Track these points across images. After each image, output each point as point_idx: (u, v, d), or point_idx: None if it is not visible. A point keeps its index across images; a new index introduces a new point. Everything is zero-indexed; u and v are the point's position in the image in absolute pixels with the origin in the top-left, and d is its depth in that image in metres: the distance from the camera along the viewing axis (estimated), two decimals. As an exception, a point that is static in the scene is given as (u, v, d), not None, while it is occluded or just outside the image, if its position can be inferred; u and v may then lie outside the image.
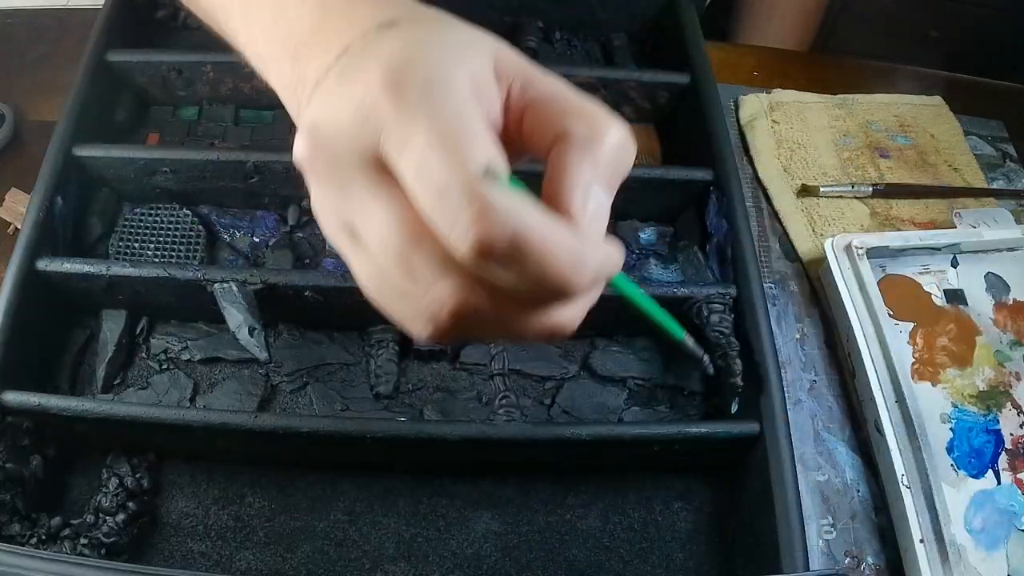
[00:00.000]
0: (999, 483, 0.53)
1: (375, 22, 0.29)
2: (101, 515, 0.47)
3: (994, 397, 0.57)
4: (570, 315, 0.29)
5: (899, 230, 0.65)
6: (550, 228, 0.25)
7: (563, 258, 0.25)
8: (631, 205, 0.61)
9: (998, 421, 0.56)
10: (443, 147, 0.25)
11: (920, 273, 0.62)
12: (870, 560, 0.51)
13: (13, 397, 0.46)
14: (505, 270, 0.25)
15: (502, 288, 0.26)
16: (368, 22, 0.29)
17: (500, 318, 0.28)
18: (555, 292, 0.26)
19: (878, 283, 0.58)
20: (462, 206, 0.24)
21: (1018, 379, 0.58)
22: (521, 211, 0.25)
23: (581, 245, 0.26)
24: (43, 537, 0.45)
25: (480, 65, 0.28)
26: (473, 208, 0.24)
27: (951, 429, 0.55)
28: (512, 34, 0.70)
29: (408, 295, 0.27)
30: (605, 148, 0.28)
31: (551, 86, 0.29)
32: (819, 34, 0.94)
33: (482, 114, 0.27)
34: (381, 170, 0.26)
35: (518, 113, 0.29)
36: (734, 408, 0.51)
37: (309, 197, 0.30)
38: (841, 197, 0.67)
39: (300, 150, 0.28)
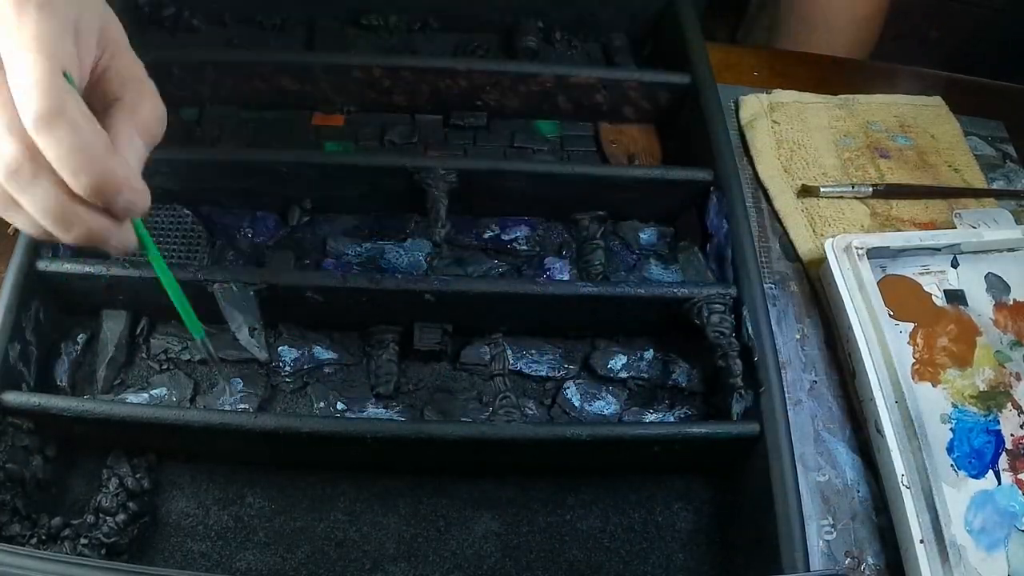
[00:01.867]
0: (999, 483, 0.53)
1: None
2: (101, 515, 0.47)
3: (994, 397, 0.57)
4: (110, 228, 0.39)
5: (899, 230, 0.65)
6: (91, 120, 0.36)
7: (96, 148, 0.36)
8: (631, 205, 0.61)
9: (998, 421, 0.56)
10: (39, 46, 0.35)
11: (920, 273, 0.62)
12: (870, 560, 0.51)
13: (13, 397, 0.46)
14: (53, 137, 0.35)
15: (47, 157, 0.35)
16: None
17: (42, 188, 0.36)
18: (86, 173, 0.36)
19: (878, 283, 0.58)
20: (37, 84, 0.34)
21: (1018, 379, 0.58)
22: (76, 101, 0.35)
23: (119, 159, 0.37)
24: (43, 537, 0.45)
25: (90, 17, 0.39)
26: (44, 85, 0.34)
27: (951, 429, 0.55)
28: (512, 34, 0.70)
29: None
30: (142, 110, 0.40)
31: (131, 64, 0.41)
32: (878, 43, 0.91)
33: (74, 40, 0.37)
34: None
35: (101, 70, 0.40)
36: (737, 413, 0.51)
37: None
38: (841, 197, 0.67)
39: None
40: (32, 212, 0.37)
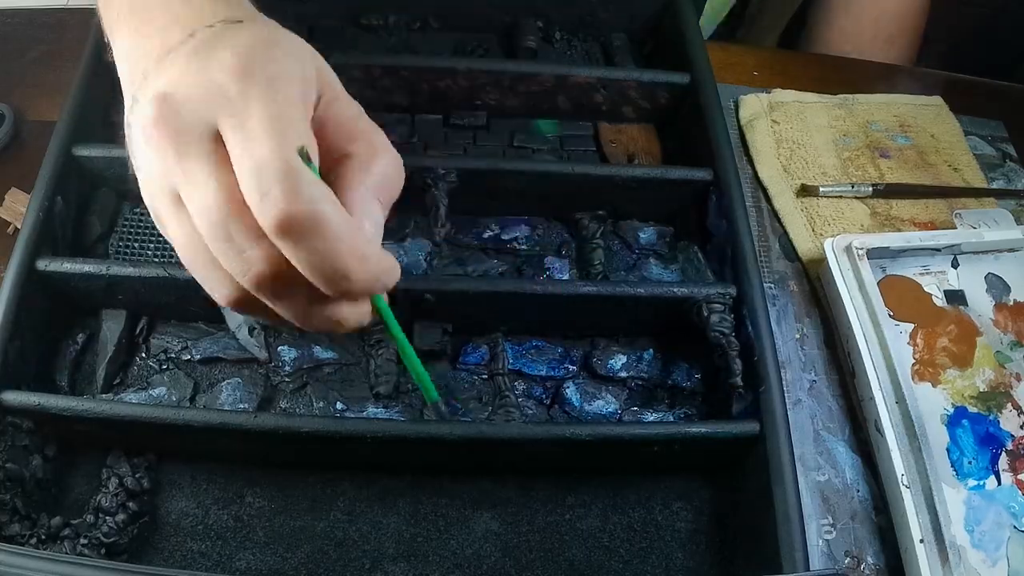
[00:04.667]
0: (999, 484, 0.53)
1: (221, 16, 0.34)
2: (101, 515, 0.47)
3: (994, 398, 0.57)
4: (349, 312, 0.33)
5: (899, 230, 0.65)
6: (345, 217, 0.30)
7: (350, 245, 0.30)
8: (631, 205, 0.61)
9: (998, 422, 0.56)
10: (271, 128, 0.29)
11: (920, 274, 0.62)
12: (870, 560, 0.51)
13: (13, 397, 0.46)
14: (304, 247, 0.29)
15: (297, 267, 0.30)
16: (211, 16, 0.34)
17: (293, 296, 0.31)
18: (341, 276, 0.30)
19: (878, 284, 0.58)
20: (276, 180, 0.28)
21: (1018, 380, 0.58)
22: (324, 196, 0.29)
23: (365, 239, 0.31)
24: (43, 537, 0.45)
25: (309, 72, 0.33)
26: (285, 183, 0.28)
27: (951, 430, 0.55)
28: (512, 34, 0.70)
29: (217, 262, 0.31)
30: (378, 168, 0.33)
31: (350, 108, 0.35)
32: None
33: (305, 110, 0.32)
34: (217, 143, 0.30)
35: (318, 123, 0.33)
36: (736, 413, 0.51)
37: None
38: (841, 197, 0.67)
39: (150, 112, 0.31)
40: (286, 314, 0.33)
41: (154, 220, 0.34)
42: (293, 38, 0.35)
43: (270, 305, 0.32)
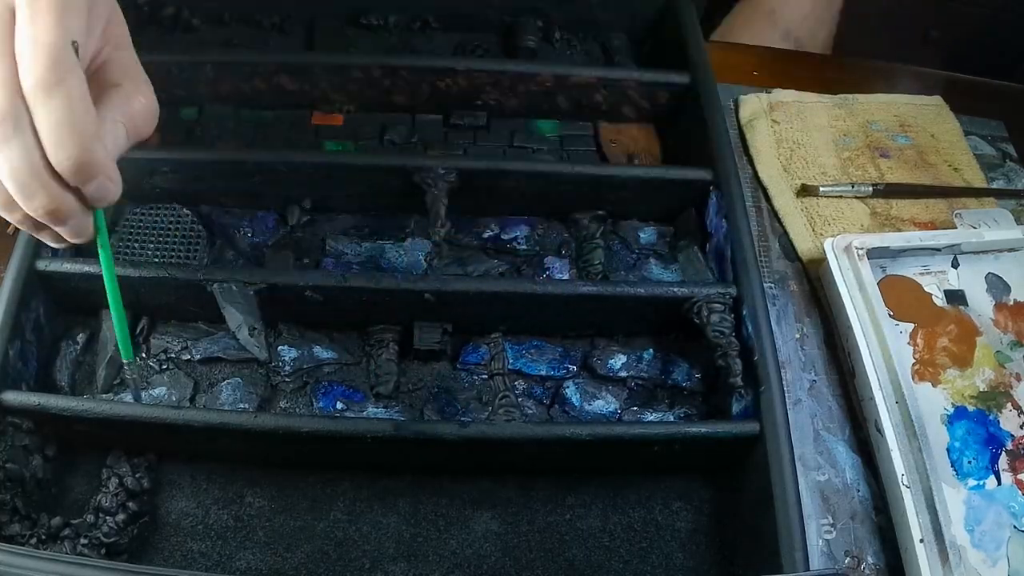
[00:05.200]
0: (999, 484, 0.53)
1: None
2: (101, 515, 0.47)
3: (994, 398, 0.57)
4: (65, 202, 0.38)
5: (899, 230, 0.65)
6: (88, 103, 0.37)
7: (83, 123, 0.36)
8: (631, 205, 0.61)
9: (998, 422, 0.56)
10: (58, 12, 0.35)
11: (921, 274, 0.62)
12: (870, 560, 0.51)
13: (13, 397, 0.46)
14: (48, 107, 0.35)
15: (38, 127, 0.36)
16: None
17: (18, 149, 0.36)
18: (67, 138, 0.36)
19: (878, 283, 0.58)
20: (46, 52, 0.35)
21: (1018, 380, 0.58)
22: (78, 79, 0.36)
23: (100, 136, 0.38)
24: (43, 537, 0.45)
25: (101, 8, 0.40)
26: (54, 56, 0.35)
27: (951, 430, 0.55)
28: (512, 34, 0.70)
29: None
30: (136, 103, 0.41)
31: (131, 56, 0.42)
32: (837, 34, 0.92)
33: (86, 18, 0.38)
34: (9, 11, 0.36)
35: (105, 59, 0.41)
36: (736, 413, 0.51)
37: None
38: (841, 197, 0.67)
39: None
40: (2, 170, 0.37)
41: None
42: None
43: None
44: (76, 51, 0.36)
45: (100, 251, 0.43)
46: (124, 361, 0.47)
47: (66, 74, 0.35)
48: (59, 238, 0.41)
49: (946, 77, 0.80)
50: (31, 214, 0.38)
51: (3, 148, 0.36)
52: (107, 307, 0.44)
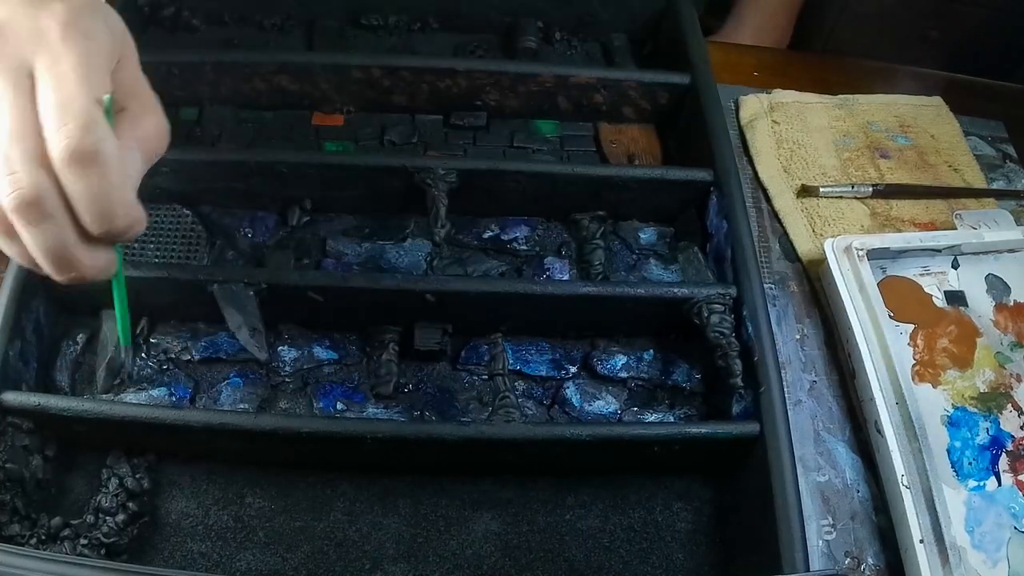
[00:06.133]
0: (1000, 485, 0.53)
1: None
2: (101, 515, 0.47)
3: (995, 399, 0.57)
4: (99, 257, 0.37)
5: (899, 230, 0.65)
6: (123, 165, 0.36)
7: (122, 189, 0.35)
8: (631, 205, 0.61)
9: (999, 423, 0.56)
10: (81, 74, 0.34)
11: (921, 274, 0.62)
12: (870, 560, 0.51)
13: (13, 397, 0.46)
14: (84, 178, 0.34)
15: (71, 198, 0.34)
16: None
17: (48, 228, 0.34)
18: (107, 213, 0.35)
19: (878, 284, 0.58)
20: (76, 116, 0.33)
21: (1019, 381, 0.58)
22: (112, 141, 0.35)
23: (135, 190, 0.37)
24: (43, 537, 0.45)
25: (119, 39, 0.39)
26: (84, 119, 0.33)
27: (951, 431, 0.55)
28: (512, 34, 0.70)
29: None
30: (146, 124, 0.39)
31: (137, 73, 0.41)
32: (813, 33, 0.94)
33: (109, 67, 0.37)
34: (27, 79, 0.35)
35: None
36: (736, 413, 0.51)
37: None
38: (841, 197, 0.67)
39: None
40: (34, 247, 0.35)
41: None
42: (111, 10, 0.40)
43: (25, 234, 0.35)
44: (107, 107, 0.35)
45: (115, 278, 0.43)
46: (121, 345, 0.47)
47: (101, 142, 0.34)
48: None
49: (946, 77, 0.80)
50: (61, 281, 0.37)
51: (34, 231, 0.34)
52: (109, 305, 0.44)
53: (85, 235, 0.36)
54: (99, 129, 0.34)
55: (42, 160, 0.33)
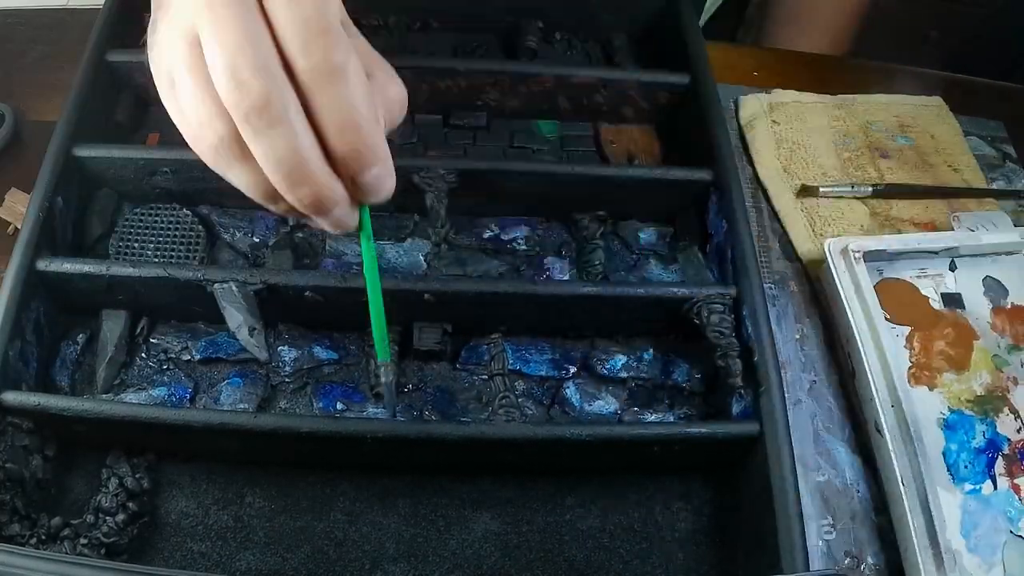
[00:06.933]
0: (996, 488, 0.53)
1: None
2: (101, 515, 0.47)
3: (991, 402, 0.57)
4: (335, 191, 0.35)
5: (899, 231, 0.65)
6: (369, 87, 0.34)
7: (365, 106, 0.33)
8: (631, 205, 0.61)
9: (995, 426, 0.56)
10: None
11: (918, 276, 0.62)
12: (870, 560, 0.52)
13: (13, 397, 0.46)
14: (330, 94, 0.32)
15: (317, 115, 0.33)
16: None
17: (287, 134, 0.32)
18: (353, 126, 0.33)
19: (875, 286, 0.58)
20: (320, 33, 0.32)
21: (1016, 383, 0.58)
22: (358, 62, 0.33)
23: (379, 121, 0.35)
24: (43, 537, 0.45)
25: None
26: (329, 37, 0.32)
27: (947, 434, 0.55)
28: (512, 34, 0.70)
29: (224, 114, 0.33)
30: (391, 93, 0.38)
31: (365, 44, 0.38)
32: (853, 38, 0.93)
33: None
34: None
35: None
36: (736, 413, 0.51)
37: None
38: (841, 197, 0.67)
39: None
40: (266, 158, 0.33)
41: (163, 85, 0.36)
42: None
43: (256, 146, 0.33)
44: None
45: (363, 248, 0.40)
46: (380, 362, 0.44)
47: (348, 56, 0.32)
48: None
49: (946, 77, 0.80)
50: (293, 204, 0.35)
51: (267, 135, 0.33)
52: (110, 305, 0.44)
53: (325, 152, 0.34)
54: (344, 44, 0.33)
55: (274, 68, 0.32)
